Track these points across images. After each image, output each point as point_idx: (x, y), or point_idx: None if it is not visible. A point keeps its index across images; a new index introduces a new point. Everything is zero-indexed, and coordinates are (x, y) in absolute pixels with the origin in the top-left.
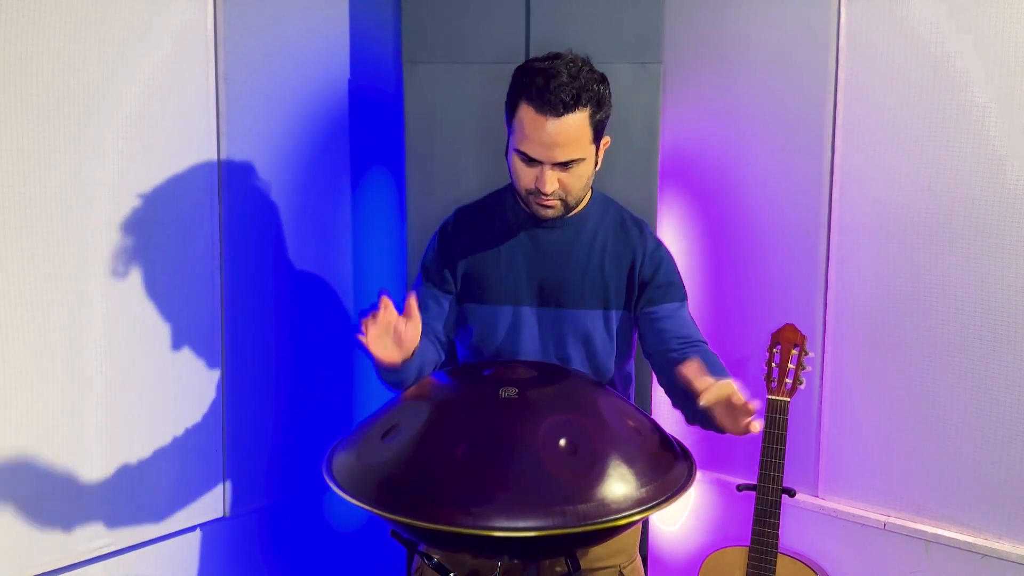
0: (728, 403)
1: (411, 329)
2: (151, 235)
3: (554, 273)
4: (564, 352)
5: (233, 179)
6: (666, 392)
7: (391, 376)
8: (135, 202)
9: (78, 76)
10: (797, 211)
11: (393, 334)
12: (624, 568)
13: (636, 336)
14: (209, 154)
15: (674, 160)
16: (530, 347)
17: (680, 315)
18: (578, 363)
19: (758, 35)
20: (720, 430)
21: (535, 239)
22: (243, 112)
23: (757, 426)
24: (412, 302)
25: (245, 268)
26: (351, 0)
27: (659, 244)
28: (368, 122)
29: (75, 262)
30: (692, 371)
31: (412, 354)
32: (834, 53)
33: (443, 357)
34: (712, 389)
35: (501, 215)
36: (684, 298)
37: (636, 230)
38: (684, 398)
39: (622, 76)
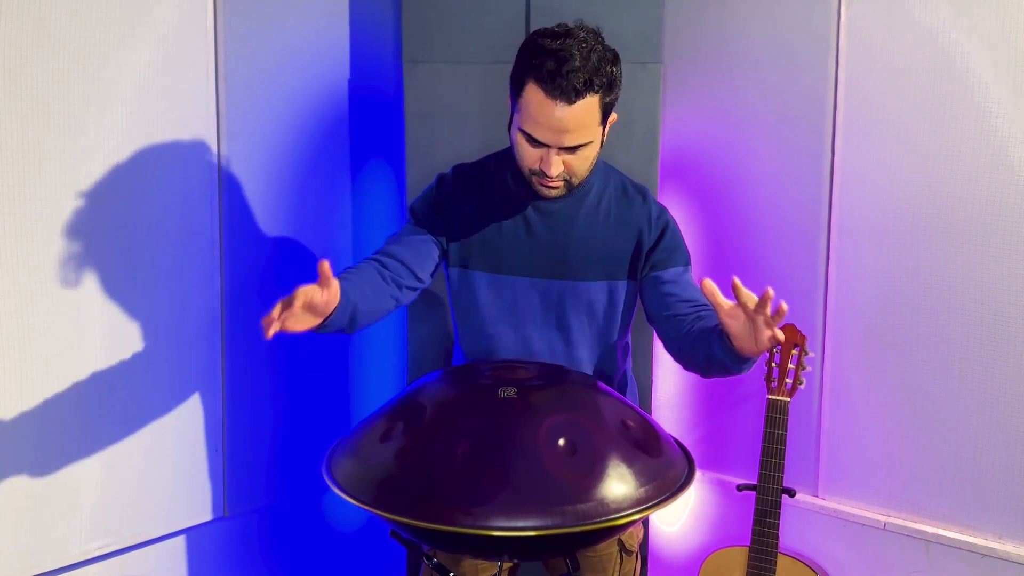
0: (753, 311)
1: (326, 295)
2: (151, 234)
3: (557, 245)
4: (566, 323)
5: (233, 179)
6: (676, 355)
7: (318, 331)
8: (134, 202)
9: (78, 76)
10: (797, 211)
11: (311, 307)
12: (622, 536)
13: (636, 305)
14: (209, 154)
15: (674, 160)
16: (530, 319)
17: (685, 280)
18: (579, 335)
19: (758, 34)
20: (740, 361)
21: (537, 210)
22: (243, 112)
23: (781, 335)
24: (325, 267)
25: (245, 268)
26: (351, 0)
27: (663, 210)
28: (368, 122)
29: (75, 262)
30: (713, 287)
31: (332, 311)
32: (834, 53)
33: (404, 301)
34: (743, 291)
35: (502, 181)
36: (688, 263)
37: (639, 197)
38: (698, 346)
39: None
